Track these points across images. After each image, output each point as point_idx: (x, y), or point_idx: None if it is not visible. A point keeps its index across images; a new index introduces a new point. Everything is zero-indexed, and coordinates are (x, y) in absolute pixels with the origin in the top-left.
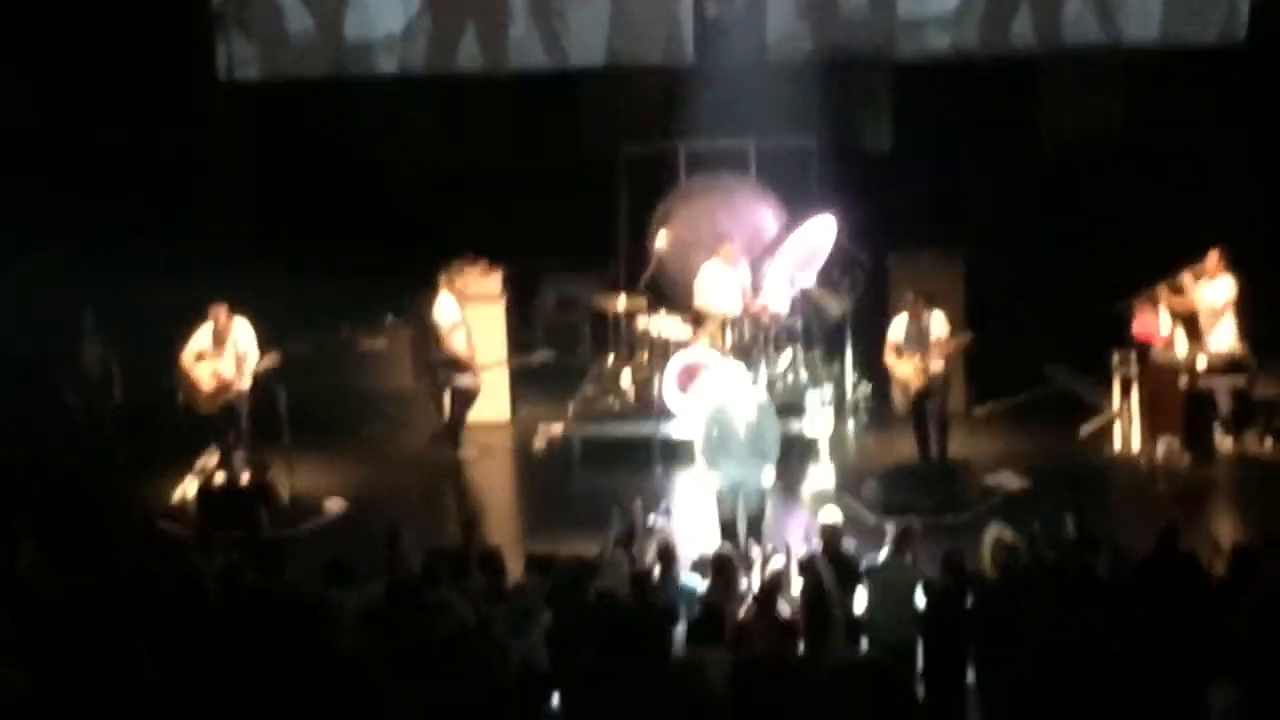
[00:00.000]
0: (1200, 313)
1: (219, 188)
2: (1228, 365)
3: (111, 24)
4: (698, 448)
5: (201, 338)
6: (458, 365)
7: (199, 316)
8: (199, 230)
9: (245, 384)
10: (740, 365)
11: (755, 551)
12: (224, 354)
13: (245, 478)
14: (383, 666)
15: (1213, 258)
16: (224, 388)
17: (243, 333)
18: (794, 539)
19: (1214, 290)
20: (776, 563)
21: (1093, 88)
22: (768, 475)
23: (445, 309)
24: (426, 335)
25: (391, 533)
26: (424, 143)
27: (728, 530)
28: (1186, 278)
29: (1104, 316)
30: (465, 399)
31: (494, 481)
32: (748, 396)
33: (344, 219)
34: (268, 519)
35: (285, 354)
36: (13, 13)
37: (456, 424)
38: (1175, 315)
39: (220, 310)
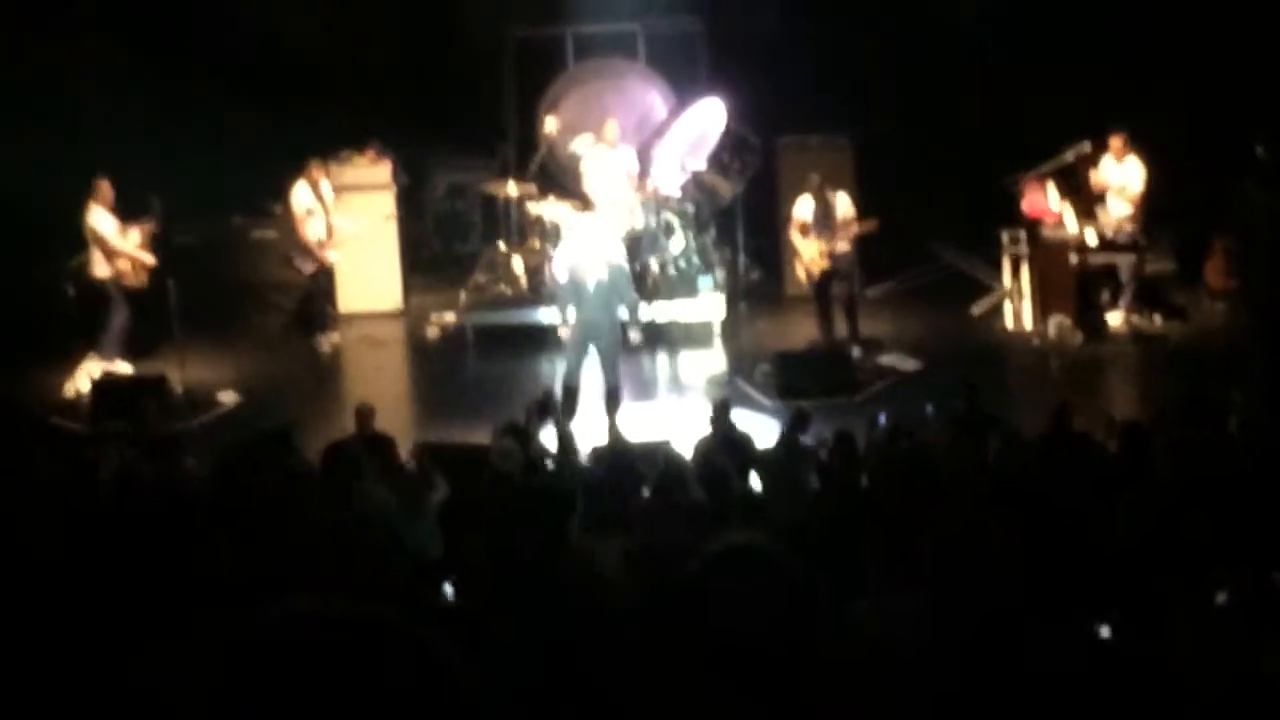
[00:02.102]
0: (1105, 191)
1: (101, 73)
2: (1120, 242)
3: None
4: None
5: (96, 216)
6: (309, 252)
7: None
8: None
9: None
10: (597, 219)
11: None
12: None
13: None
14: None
15: (1119, 140)
16: (139, 268)
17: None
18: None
19: (1121, 171)
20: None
21: None
22: (619, 317)
23: (299, 196)
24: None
25: (282, 431)
26: (312, 29)
27: (570, 376)
28: (1090, 156)
29: (993, 195)
30: (318, 286)
31: (387, 371)
32: (600, 251)
33: (232, 108)
34: (160, 412)
35: (174, 245)
36: None
37: (311, 311)
38: (1077, 191)
39: (106, 186)
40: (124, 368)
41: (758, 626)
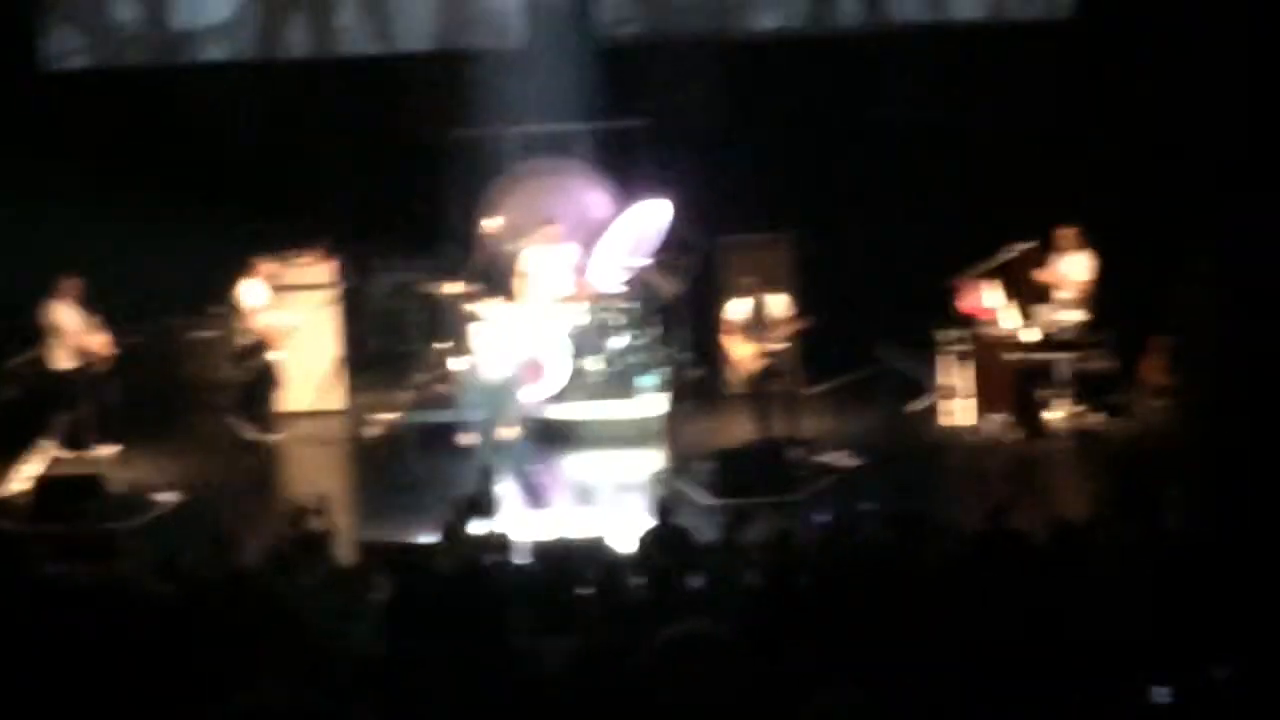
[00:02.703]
0: (1051, 287)
1: (47, 176)
2: (1059, 340)
3: None
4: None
5: (54, 313)
6: (260, 346)
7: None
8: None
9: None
10: (535, 317)
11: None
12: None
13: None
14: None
15: (1070, 233)
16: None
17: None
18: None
19: (1069, 266)
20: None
21: (920, 66)
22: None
23: (250, 293)
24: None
25: (217, 535)
26: (254, 130)
27: (483, 481)
28: (1032, 254)
29: (933, 294)
30: (269, 379)
31: (327, 469)
32: (514, 350)
33: (175, 207)
34: (99, 512)
35: (118, 345)
36: None
37: (261, 406)
38: (1018, 289)
39: (70, 284)
40: (90, 453)
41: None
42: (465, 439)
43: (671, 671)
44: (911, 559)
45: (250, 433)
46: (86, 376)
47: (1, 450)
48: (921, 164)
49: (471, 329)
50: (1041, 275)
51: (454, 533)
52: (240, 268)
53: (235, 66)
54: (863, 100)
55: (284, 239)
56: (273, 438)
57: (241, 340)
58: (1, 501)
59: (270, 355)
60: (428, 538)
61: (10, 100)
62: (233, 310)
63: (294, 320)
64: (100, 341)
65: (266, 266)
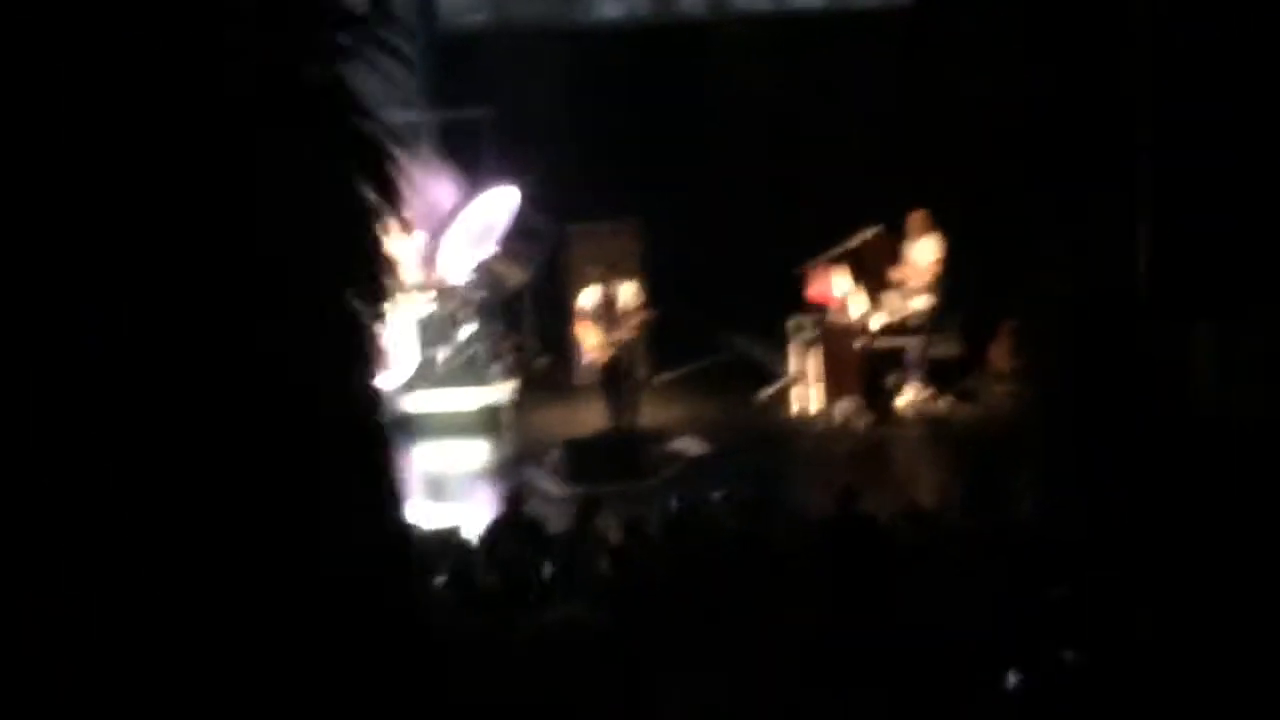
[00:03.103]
0: (900, 272)
1: None
2: (907, 325)
3: None
4: None
5: None
6: None
7: None
8: None
9: None
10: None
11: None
12: None
13: None
14: None
15: (919, 216)
16: None
17: None
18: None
19: (917, 251)
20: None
21: (763, 51)
22: None
23: None
24: None
25: None
26: None
27: None
28: (879, 241)
29: (780, 282)
30: None
31: None
32: None
33: None
34: None
35: None
36: None
37: None
38: (865, 275)
39: None
40: None
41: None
42: None
43: (538, 661)
44: (760, 545)
45: None
46: None
47: None
48: (768, 152)
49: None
50: (889, 260)
51: None
52: None
53: None
54: (708, 88)
55: None
56: None
57: None
58: None
59: None
60: None
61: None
62: None
63: None
64: None
65: None
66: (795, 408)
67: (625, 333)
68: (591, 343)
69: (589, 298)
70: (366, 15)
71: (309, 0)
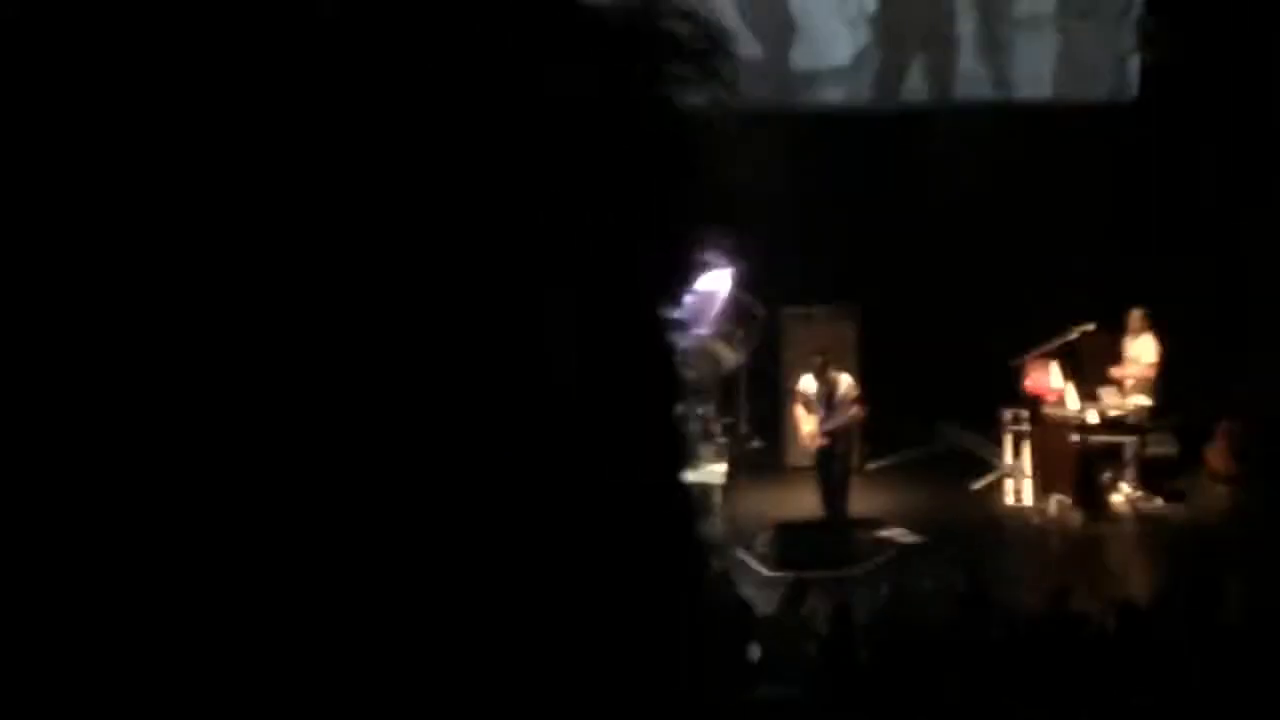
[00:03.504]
0: (1118, 369)
1: None
2: (1122, 423)
3: None
4: None
5: None
6: None
7: None
8: None
9: None
10: None
11: None
12: None
13: None
14: None
15: (1136, 316)
16: None
17: None
18: None
19: (1135, 348)
20: None
21: (984, 140)
22: None
23: None
24: None
25: None
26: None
27: None
28: (1095, 336)
29: (997, 372)
30: None
31: None
32: None
33: None
34: None
35: None
36: None
37: None
38: (1080, 370)
39: None
40: None
41: None
42: None
43: None
44: (971, 637)
45: None
46: None
47: None
48: (987, 241)
49: None
50: (1106, 356)
51: None
52: None
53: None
54: (928, 175)
55: None
56: None
57: None
58: None
59: None
60: None
61: None
62: None
63: None
64: None
65: None
66: (1008, 500)
67: (840, 422)
68: (806, 429)
69: (807, 384)
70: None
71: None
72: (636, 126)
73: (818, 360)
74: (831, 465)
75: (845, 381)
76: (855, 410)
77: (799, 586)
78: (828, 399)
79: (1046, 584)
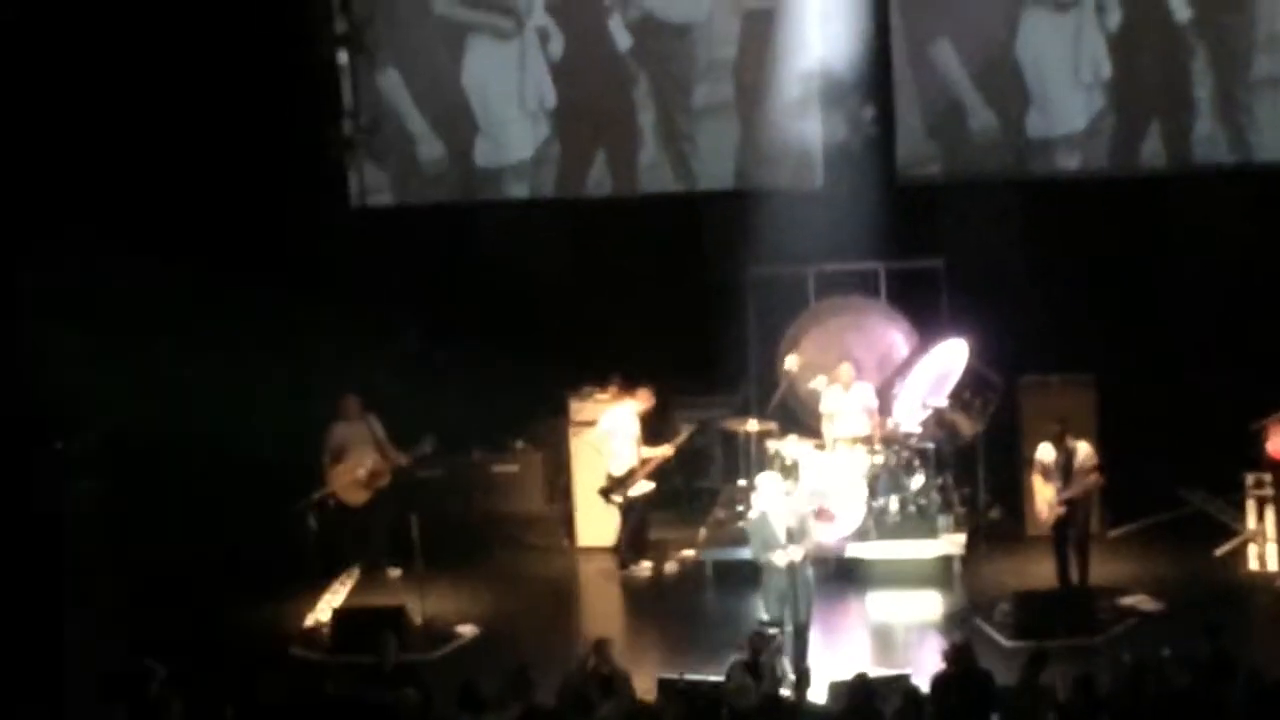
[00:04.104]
0: None
1: (349, 311)
2: None
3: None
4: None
5: (337, 433)
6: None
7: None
8: (329, 349)
9: (388, 476)
10: (835, 458)
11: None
12: (365, 446)
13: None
14: None
15: None
16: (375, 476)
17: (377, 425)
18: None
19: None
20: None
21: (1223, 203)
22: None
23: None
24: (563, 456)
25: (519, 670)
26: (551, 266)
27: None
28: None
29: (1238, 437)
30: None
31: (625, 606)
32: (785, 499)
33: (473, 342)
34: (400, 644)
35: (419, 479)
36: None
37: (635, 537)
38: None
39: (353, 402)
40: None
41: None
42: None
43: None
44: (1217, 706)
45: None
46: (378, 507)
47: (305, 583)
48: (1227, 305)
49: (763, 472)
50: None
51: (752, 669)
52: (548, 405)
53: (538, 204)
54: (1166, 240)
55: (583, 376)
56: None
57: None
58: (306, 632)
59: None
60: (722, 676)
61: (320, 236)
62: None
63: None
64: (384, 462)
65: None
66: (1252, 565)
67: (1079, 490)
68: (1045, 497)
69: (1045, 453)
70: None
71: None
72: None
73: (1055, 428)
74: (1069, 534)
75: (1083, 450)
76: (1094, 478)
77: (1039, 655)
78: (1065, 467)
79: None
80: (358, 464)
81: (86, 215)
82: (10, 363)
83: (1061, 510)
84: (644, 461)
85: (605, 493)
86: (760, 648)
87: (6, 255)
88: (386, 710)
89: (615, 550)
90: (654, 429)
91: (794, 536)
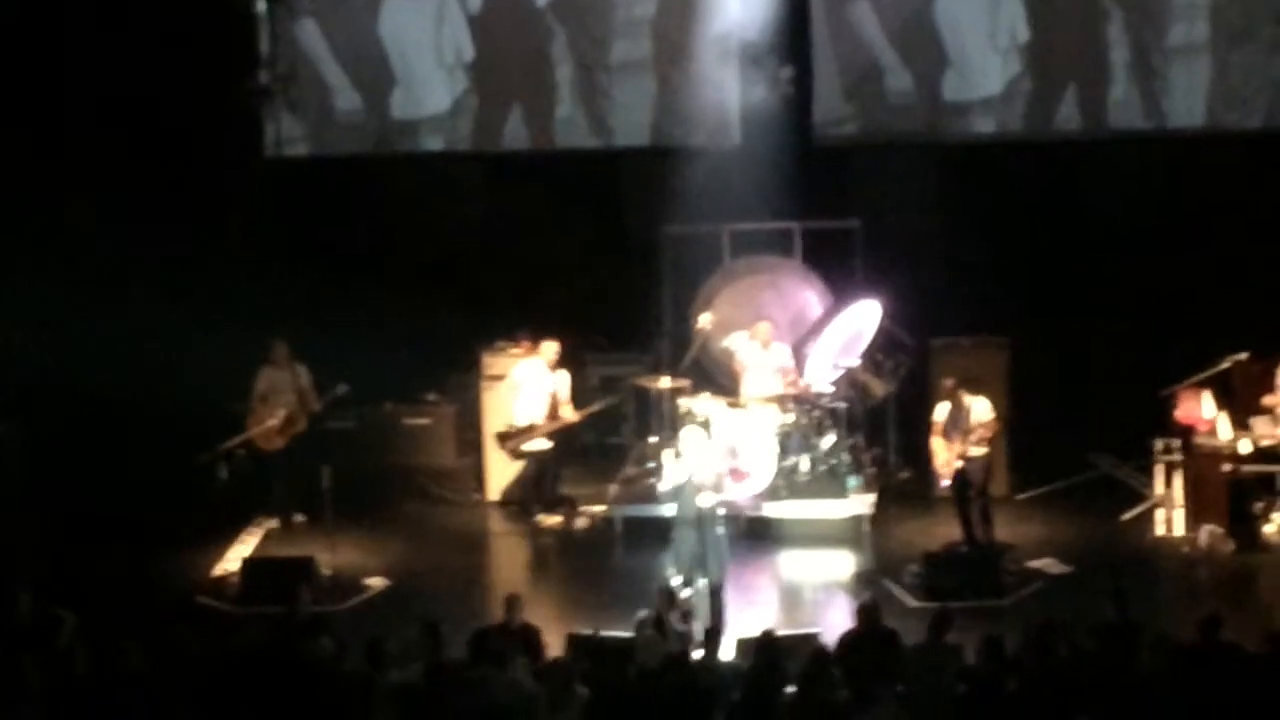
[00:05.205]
0: (1271, 398)
1: (262, 262)
2: (1276, 453)
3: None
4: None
5: (265, 378)
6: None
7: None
8: (242, 303)
9: (304, 424)
10: (746, 415)
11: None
12: (288, 393)
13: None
14: None
15: None
16: (290, 423)
17: (304, 373)
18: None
19: None
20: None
21: (1136, 169)
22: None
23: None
24: (475, 409)
25: (430, 624)
26: (466, 220)
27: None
28: (1246, 365)
29: (1147, 402)
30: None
31: (535, 561)
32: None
33: (387, 295)
34: (310, 595)
35: (331, 429)
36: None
37: (533, 487)
38: (1232, 400)
39: (281, 348)
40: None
41: None
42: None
43: None
44: (1121, 669)
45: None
46: (291, 455)
47: (214, 532)
48: (1138, 271)
49: (683, 428)
50: (1259, 386)
51: (659, 625)
52: (461, 358)
53: (454, 157)
54: (1079, 205)
55: (496, 330)
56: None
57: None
58: (214, 582)
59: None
60: (631, 632)
61: (235, 185)
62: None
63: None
64: (302, 409)
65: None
66: (1159, 530)
67: (972, 448)
68: (941, 456)
69: (940, 412)
70: None
71: None
72: None
73: (947, 383)
74: (967, 492)
75: (979, 405)
76: (988, 431)
77: (944, 616)
78: (960, 424)
79: (1197, 614)
80: (275, 409)
81: (9, 163)
82: None
83: (959, 464)
84: (550, 419)
85: (501, 438)
86: (666, 605)
87: None
88: (299, 662)
89: (515, 500)
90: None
91: (708, 492)
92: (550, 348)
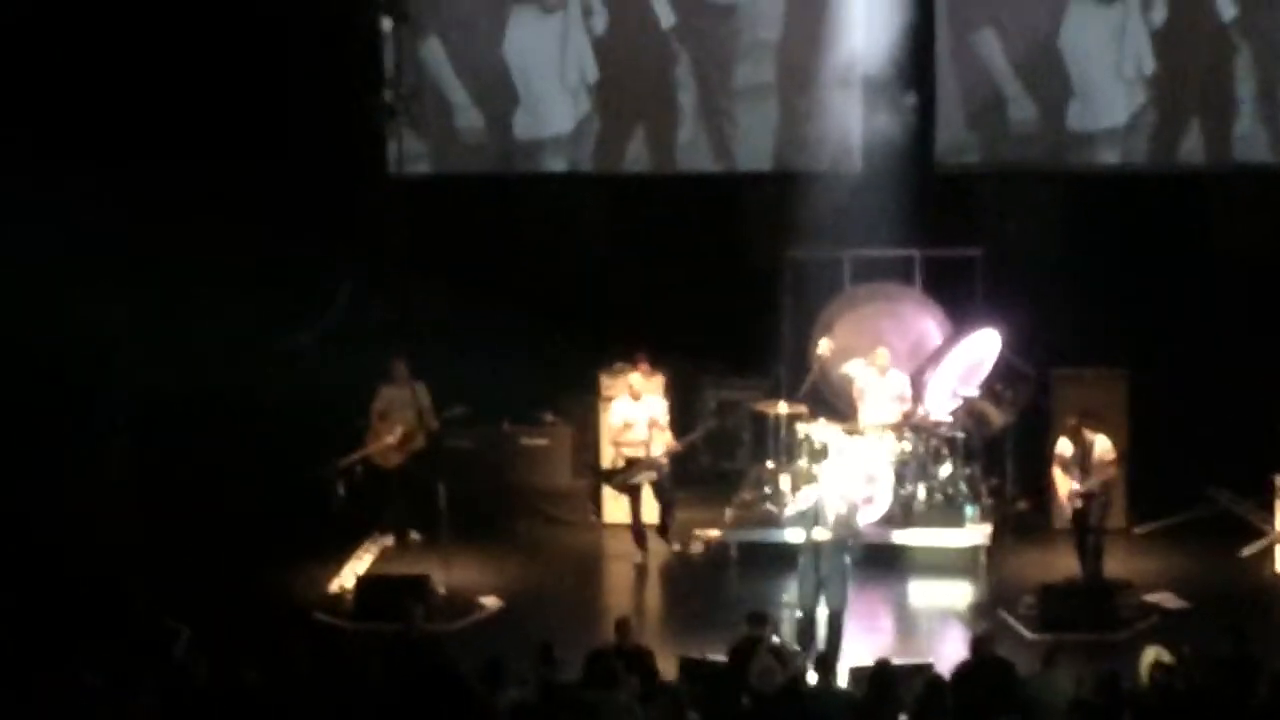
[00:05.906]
0: None
1: (383, 280)
2: None
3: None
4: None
5: (384, 396)
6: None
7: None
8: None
9: (422, 441)
10: (865, 444)
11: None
12: (407, 410)
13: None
14: None
15: None
16: (408, 439)
17: (423, 391)
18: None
19: None
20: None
21: (1262, 201)
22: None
23: (618, 409)
24: (592, 431)
25: (543, 646)
26: (586, 241)
27: (805, 622)
28: None
29: (1269, 438)
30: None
31: (649, 583)
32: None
33: (507, 315)
34: (424, 614)
35: (448, 448)
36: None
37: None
38: None
39: (401, 366)
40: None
41: None
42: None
43: None
44: (1238, 705)
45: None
46: (410, 472)
47: (330, 548)
48: (1263, 304)
49: (813, 456)
50: None
51: (777, 653)
52: (580, 380)
53: (575, 178)
54: (1204, 237)
55: (615, 352)
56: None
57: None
58: (330, 598)
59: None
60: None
61: (357, 203)
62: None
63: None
64: (420, 427)
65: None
66: (1278, 567)
67: (1095, 484)
68: (1063, 491)
69: (1063, 446)
70: None
71: None
72: None
73: (1071, 422)
74: (1086, 527)
75: (1101, 443)
76: (1111, 472)
77: (1057, 649)
78: (1082, 461)
79: None
80: (393, 427)
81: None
82: (43, 323)
83: (1078, 504)
84: (649, 449)
85: (606, 477)
86: (760, 628)
87: (52, 201)
88: (417, 679)
89: (633, 533)
90: (685, 406)
91: (836, 522)
92: (638, 378)
